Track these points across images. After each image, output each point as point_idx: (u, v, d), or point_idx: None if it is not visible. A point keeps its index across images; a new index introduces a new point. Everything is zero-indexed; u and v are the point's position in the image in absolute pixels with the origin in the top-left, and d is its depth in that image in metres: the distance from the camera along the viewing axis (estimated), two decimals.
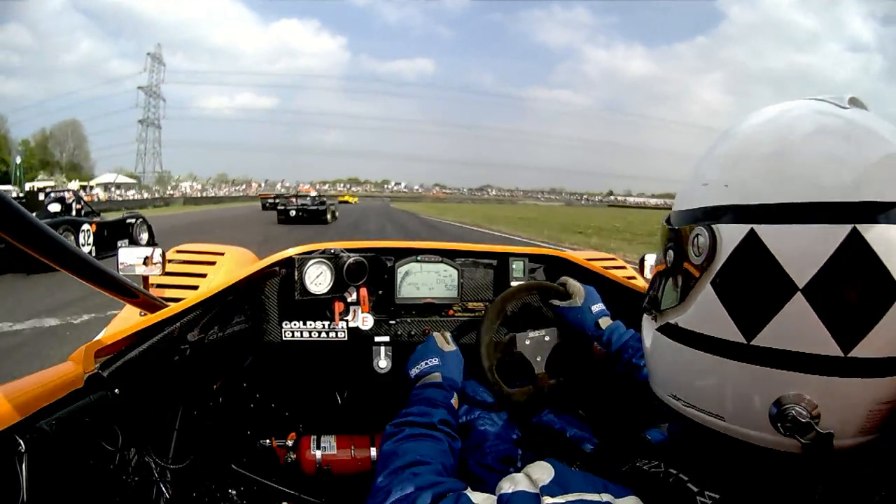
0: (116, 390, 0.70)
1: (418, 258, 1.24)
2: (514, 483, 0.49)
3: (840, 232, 0.39)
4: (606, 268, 1.33)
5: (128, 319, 1.14)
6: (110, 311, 3.88)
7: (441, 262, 1.25)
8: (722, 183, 0.46)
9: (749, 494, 0.44)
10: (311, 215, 17.28)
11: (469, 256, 1.30)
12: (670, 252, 0.51)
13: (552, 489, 0.45)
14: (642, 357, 0.89)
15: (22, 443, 0.53)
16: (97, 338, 0.78)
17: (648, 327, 0.56)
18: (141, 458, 0.80)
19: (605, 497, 0.44)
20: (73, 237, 8.26)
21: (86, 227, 8.81)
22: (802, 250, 0.40)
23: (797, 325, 0.41)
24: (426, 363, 0.93)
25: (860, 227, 0.39)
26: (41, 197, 9.82)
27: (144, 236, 10.31)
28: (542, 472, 0.48)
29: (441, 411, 0.78)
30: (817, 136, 0.44)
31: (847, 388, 0.41)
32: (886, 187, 0.39)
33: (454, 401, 0.85)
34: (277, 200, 20.35)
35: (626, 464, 0.52)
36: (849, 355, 0.40)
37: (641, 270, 1.43)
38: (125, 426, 0.71)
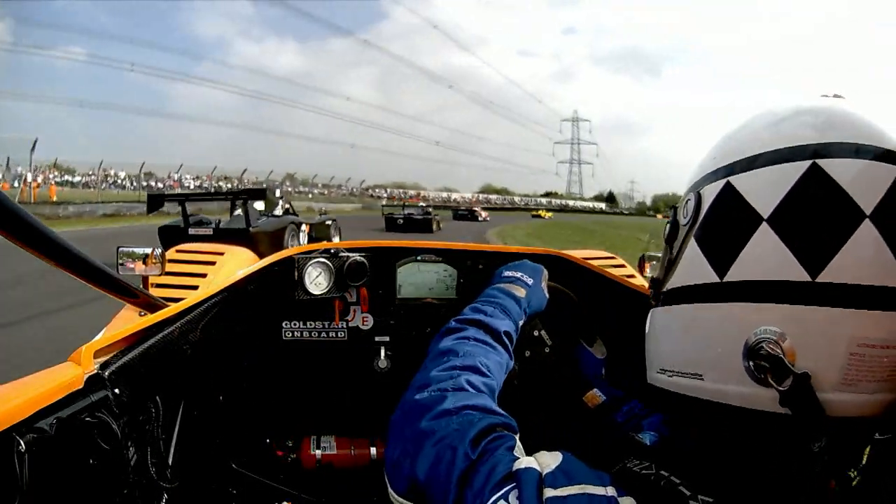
0: (116, 390, 0.70)
1: (418, 258, 1.24)
2: (526, 462, 0.47)
3: (801, 167, 0.42)
4: (605, 267, 1.33)
5: (128, 319, 1.14)
6: None
7: (441, 261, 1.25)
8: (711, 157, 0.51)
9: (743, 497, 0.43)
10: (417, 224, 18.79)
11: (469, 256, 1.30)
12: (668, 226, 0.54)
13: (556, 477, 0.44)
14: (644, 409, 0.87)
15: (22, 443, 0.53)
16: (97, 338, 0.78)
17: (649, 315, 0.57)
18: (141, 457, 0.80)
19: (610, 491, 0.43)
20: (296, 239, 8.54)
21: (304, 227, 9.08)
22: (767, 185, 0.44)
23: (765, 254, 0.42)
24: (521, 275, 0.89)
25: (820, 161, 0.42)
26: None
27: (337, 238, 10.66)
28: (550, 458, 0.47)
29: (510, 323, 0.75)
30: (788, 107, 0.49)
31: (819, 319, 0.40)
32: (843, 131, 0.43)
33: (521, 324, 0.82)
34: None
35: (616, 464, 0.52)
36: (817, 280, 0.40)
37: (641, 270, 1.43)
38: (125, 426, 0.71)
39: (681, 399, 0.49)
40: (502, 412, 0.56)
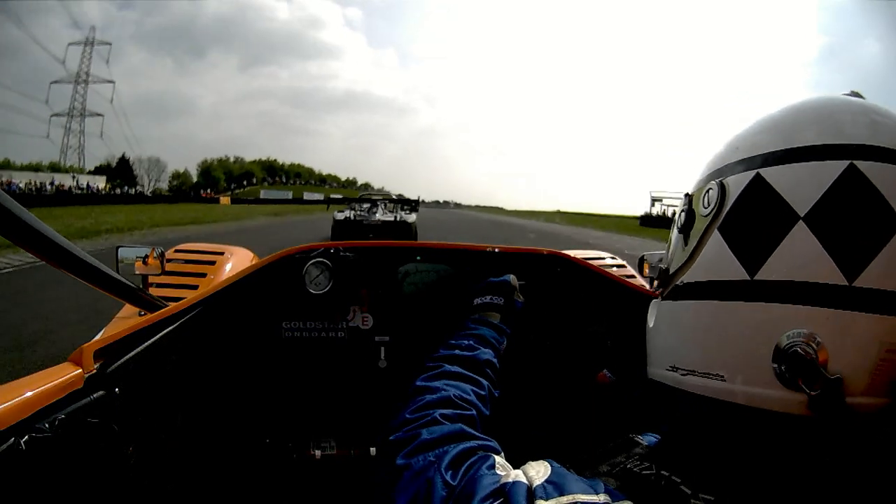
0: (116, 390, 0.70)
1: (418, 257, 1.24)
2: (513, 476, 0.47)
3: (839, 166, 0.41)
4: (605, 267, 1.33)
5: (128, 319, 1.14)
6: None
7: (441, 261, 1.25)
8: (733, 147, 0.49)
9: (745, 494, 0.42)
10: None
11: (469, 256, 1.30)
12: (682, 215, 0.52)
13: (546, 489, 0.43)
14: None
15: (22, 443, 0.53)
16: (97, 338, 0.78)
17: (653, 307, 0.55)
18: (141, 458, 0.80)
19: (603, 498, 0.42)
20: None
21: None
22: (804, 183, 0.42)
23: (800, 254, 0.41)
24: (490, 298, 0.88)
25: (857, 162, 0.41)
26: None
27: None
28: (538, 469, 0.46)
29: (489, 352, 0.74)
30: (816, 101, 0.48)
31: (854, 324, 0.39)
32: (878, 134, 0.42)
33: (503, 348, 0.81)
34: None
35: (610, 464, 0.50)
36: (854, 284, 0.39)
37: (641, 270, 1.43)
38: (125, 426, 0.71)
39: (692, 398, 0.47)
40: (480, 435, 0.55)
